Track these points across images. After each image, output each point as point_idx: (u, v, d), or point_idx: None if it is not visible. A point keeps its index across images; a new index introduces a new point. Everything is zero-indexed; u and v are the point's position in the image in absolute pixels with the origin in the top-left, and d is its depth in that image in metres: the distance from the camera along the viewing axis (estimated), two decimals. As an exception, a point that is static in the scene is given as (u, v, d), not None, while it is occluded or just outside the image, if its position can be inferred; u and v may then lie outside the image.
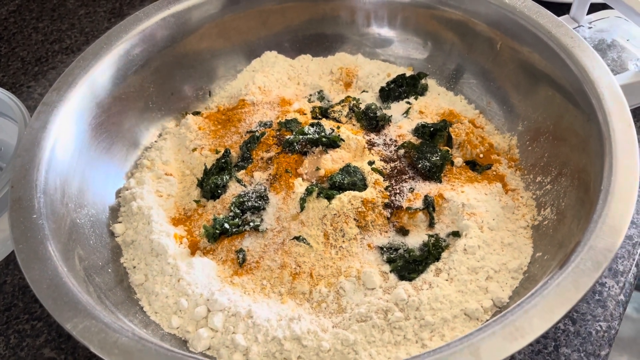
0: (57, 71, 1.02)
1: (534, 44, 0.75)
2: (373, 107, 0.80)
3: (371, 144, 0.75)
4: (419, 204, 0.69)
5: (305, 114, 0.81)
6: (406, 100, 0.83)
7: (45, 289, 0.54)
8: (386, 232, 0.68)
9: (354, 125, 0.81)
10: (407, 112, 0.81)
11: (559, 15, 0.75)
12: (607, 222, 0.54)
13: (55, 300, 0.53)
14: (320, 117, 0.82)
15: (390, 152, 0.75)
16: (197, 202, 0.74)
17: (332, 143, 0.74)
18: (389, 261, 0.65)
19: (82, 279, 0.59)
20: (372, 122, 0.79)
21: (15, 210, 0.60)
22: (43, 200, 0.62)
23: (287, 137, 0.75)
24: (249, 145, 0.76)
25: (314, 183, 0.70)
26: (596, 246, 0.52)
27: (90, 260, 0.64)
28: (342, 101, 0.84)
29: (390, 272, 0.65)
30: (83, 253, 0.64)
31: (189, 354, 0.50)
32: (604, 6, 0.91)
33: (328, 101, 0.86)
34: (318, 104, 0.85)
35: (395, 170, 0.72)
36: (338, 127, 0.76)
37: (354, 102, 0.83)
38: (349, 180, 0.70)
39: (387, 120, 0.79)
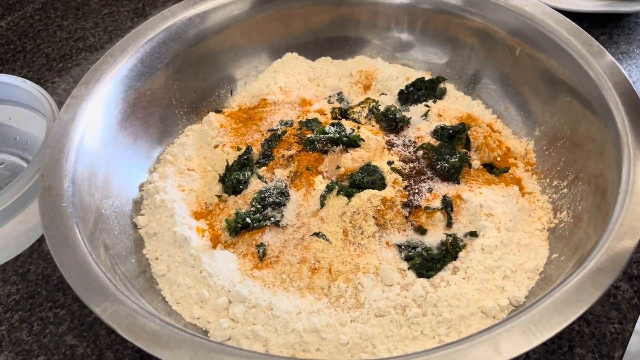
0: (81, 68, 1.04)
1: (553, 51, 0.76)
2: (393, 108, 0.81)
3: (390, 145, 0.77)
4: (437, 203, 0.70)
5: (325, 114, 0.82)
6: (425, 103, 0.84)
7: (74, 273, 0.55)
8: (404, 230, 0.69)
9: (373, 126, 0.82)
10: (425, 114, 0.82)
11: (578, 24, 0.76)
12: (625, 223, 0.55)
13: (84, 284, 0.54)
14: (340, 117, 0.83)
15: (409, 152, 0.76)
16: (218, 197, 0.75)
17: (353, 142, 0.75)
18: (407, 259, 0.66)
19: (109, 267, 0.60)
20: (392, 123, 0.80)
21: (45, 198, 0.62)
22: (71, 189, 0.63)
23: (308, 135, 0.76)
24: (270, 142, 0.78)
25: (334, 181, 0.72)
26: (614, 247, 0.53)
27: (115, 250, 0.66)
28: (362, 103, 0.85)
29: (409, 269, 0.65)
30: (109, 242, 0.65)
31: (213, 340, 0.52)
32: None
33: (347, 103, 0.88)
34: (337, 105, 0.87)
35: (414, 171, 0.74)
36: (358, 128, 0.78)
37: (374, 103, 0.84)
38: (368, 179, 0.71)
39: (406, 121, 0.81)
